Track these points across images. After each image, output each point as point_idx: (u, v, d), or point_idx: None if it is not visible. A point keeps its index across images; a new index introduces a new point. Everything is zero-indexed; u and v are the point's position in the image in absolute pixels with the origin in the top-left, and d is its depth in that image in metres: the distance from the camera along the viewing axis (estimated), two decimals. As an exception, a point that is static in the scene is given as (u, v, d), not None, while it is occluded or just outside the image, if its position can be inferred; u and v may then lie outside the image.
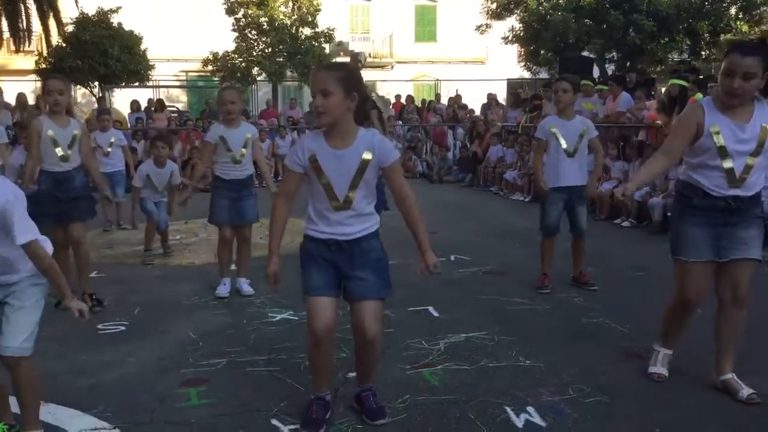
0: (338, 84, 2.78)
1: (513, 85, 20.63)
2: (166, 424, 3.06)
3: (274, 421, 3.06)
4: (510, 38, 20.28)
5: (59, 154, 4.79)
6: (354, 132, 2.89)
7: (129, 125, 16.01)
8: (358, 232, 2.94)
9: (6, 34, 20.28)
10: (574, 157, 5.25)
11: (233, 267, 5.45)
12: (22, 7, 19.86)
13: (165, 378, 3.61)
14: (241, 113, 5.41)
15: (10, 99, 15.74)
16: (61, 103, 4.77)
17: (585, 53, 18.10)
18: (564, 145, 5.23)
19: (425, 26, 29.39)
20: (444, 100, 19.05)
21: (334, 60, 23.46)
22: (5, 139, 8.35)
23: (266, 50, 21.00)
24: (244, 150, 5.20)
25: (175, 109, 20.15)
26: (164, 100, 18.76)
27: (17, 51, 21.36)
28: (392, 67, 28.37)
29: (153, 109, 17.16)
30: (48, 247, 2.78)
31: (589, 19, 17.85)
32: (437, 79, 22.92)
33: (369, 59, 28.32)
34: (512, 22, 20.30)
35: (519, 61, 21.57)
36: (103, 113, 9.25)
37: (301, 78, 21.18)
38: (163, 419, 3.11)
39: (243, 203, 5.23)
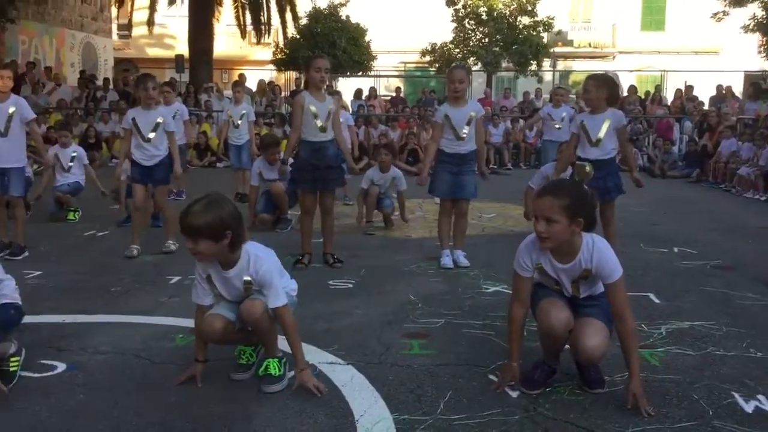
0: (563, 212, 2.80)
1: (751, 78, 18.82)
2: (392, 366, 3.33)
3: (491, 376, 3.19)
4: (751, 27, 18.50)
5: (318, 125, 5.28)
6: (578, 248, 2.93)
7: (351, 110, 17.05)
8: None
9: (248, 27, 22.54)
10: None
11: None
12: (264, 3, 21.92)
13: (389, 329, 3.90)
14: (466, 92, 5.57)
15: (251, 85, 17.47)
16: (325, 80, 5.31)
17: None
18: None
19: (653, 14, 27.72)
20: (670, 92, 17.94)
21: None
22: (186, 116, 9.34)
23: (483, 40, 21.17)
24: (466, 128, 5.35)
25: (389, 97, 21.02)
26: (384, 90, 19.69)
27: (258, 42, 23.62)
28: (614, 58, 27.18)
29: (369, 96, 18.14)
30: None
31: None
32: (663, 70, 21.55)
33: (589, 49, 27.46)
34: (754, 9, 18.50)
35: (759, 52, 19.63)
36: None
37: (517, 68, 21.07)
38: (390, 362, 3.38)
39: (463, 177, 5.39)
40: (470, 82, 5.52)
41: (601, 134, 5.20)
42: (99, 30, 23.35)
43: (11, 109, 5.52)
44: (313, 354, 3.42)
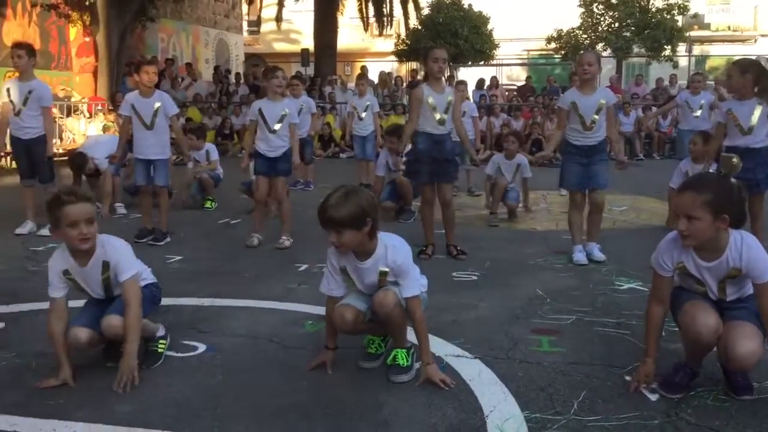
0: (705, 209, 2.63)
1: None
2: (521, 362, 3.25)
3: (628, 378, 3.03)
4: None
5: (437, 118, 5.24)
6: (724, 246, 2.74)
7: (473, 100, 16.87)
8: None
9: (371, 20, 22.81)
10: None
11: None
12: (387, -6, 22.13)
13: (516, 324, 3.82)
14: (596, 77, 5.31)
15: (372, 77, 17.66)
16: (443, 70, 5.28)
17: None
18: None
19: (802, -8, 25.55)
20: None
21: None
22: (314, 109, 9.68)
23: (613, 25, 20.31)
24: (595, 116, 5.12)
25: (514, 86, 20.61)
26: (506, 79, 19.33)
27: (380, 34, 23.87)
28: (755, 41, 25.32)
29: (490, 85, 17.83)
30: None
31: None
32: (813, 53, 19.81)
33: (728, 32, 25.73)
34: None
35: None
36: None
37: (649, 53, 20.05)
38: (518, 358, 3.31)
39: (593, 168, 5.17)
40: (600, 69, 5.29)
41: (754, 121, 4.88)
42: (231, 27, 24.41)
43: (157, 105, 5.87)
44: (439, 346, 3.41)
